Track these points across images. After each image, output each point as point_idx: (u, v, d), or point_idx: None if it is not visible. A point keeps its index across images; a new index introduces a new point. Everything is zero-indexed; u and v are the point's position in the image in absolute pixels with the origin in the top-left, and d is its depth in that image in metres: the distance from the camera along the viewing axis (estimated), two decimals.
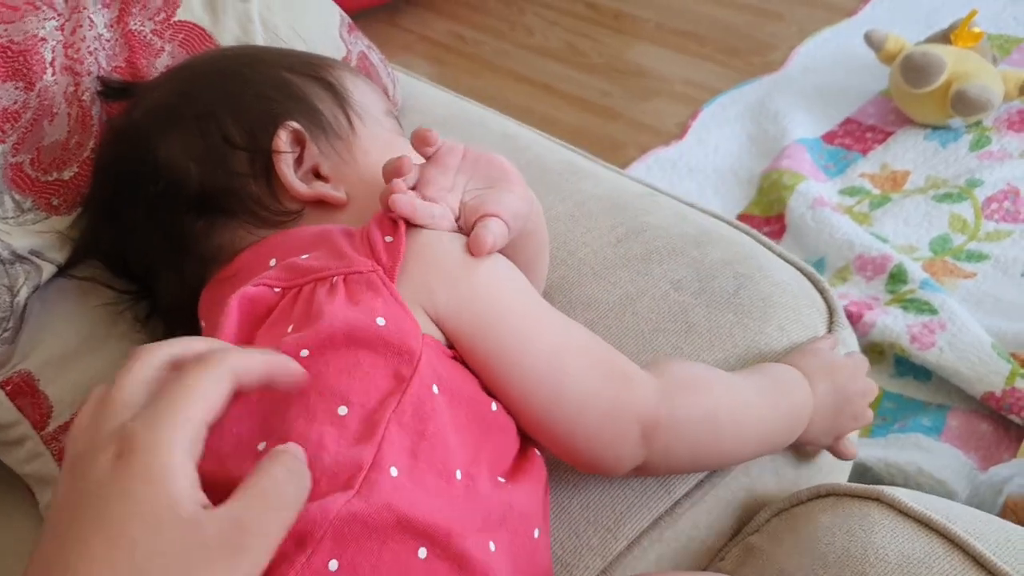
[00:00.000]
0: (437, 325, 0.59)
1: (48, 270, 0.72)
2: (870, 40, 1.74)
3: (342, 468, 0.51)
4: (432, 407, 0.55)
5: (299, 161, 0.68)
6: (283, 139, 0.67)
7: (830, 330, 0.76)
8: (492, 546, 0.54)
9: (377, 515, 0.50)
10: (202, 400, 0.43)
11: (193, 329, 0.71)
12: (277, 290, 0.60)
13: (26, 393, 0.72)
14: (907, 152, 1.67)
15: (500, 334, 0.59)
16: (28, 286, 0.71)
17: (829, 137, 1.75)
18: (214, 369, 0.44)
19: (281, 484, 0.43)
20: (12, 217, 0.72)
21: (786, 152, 1.69)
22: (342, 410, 0.53)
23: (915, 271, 1.40)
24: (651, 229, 0.80)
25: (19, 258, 0.71)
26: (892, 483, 1.13)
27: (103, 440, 0.42)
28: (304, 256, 0.61)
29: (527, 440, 0.62)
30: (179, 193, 0.68)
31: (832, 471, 0.77)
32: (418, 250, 0.60)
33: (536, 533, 0.59)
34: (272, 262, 0.62)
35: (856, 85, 1.84)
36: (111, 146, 0.74)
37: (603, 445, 0.60)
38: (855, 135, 1.74)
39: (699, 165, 1.75)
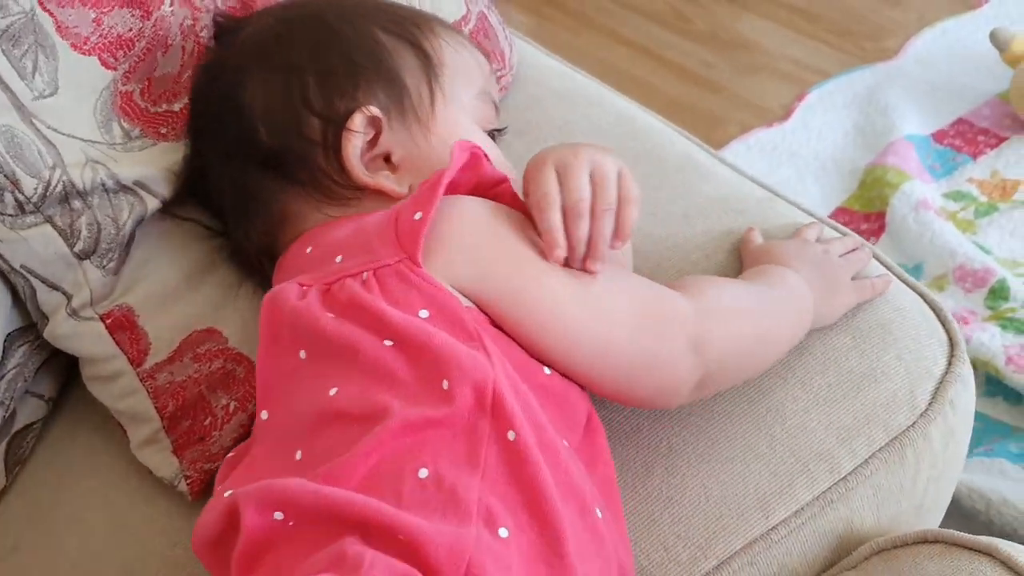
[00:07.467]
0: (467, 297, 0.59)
1: (152, 204, 0.71)
2: (995, 38, 1.65)
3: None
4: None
5: (372, 142, 0.66)
6: (358, 122, 0.65)
7: (950, 364, 0.72)
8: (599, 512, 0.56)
9: None
10: None
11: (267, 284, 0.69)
12: (306, 288, 0.60)
13: (126, 328, 0.71)
14: (1020, 161, 1.59)
15: (527, 297, 0.59)
16: (133, 218, 0.70)
17: (939, 136, 1.67)
18: None
19: None
20: (120, 143, 0.71)
21: (893, 148, 1.61)
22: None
23: (1018, 289, 1.34)
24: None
25: (123, 188, 0.70)
26: (972, 508, 1.09)
27: None
28: (339, 258, 0.60)
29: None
30: (251, 143, 0.67)
31: (933, 508, 0.74)
32: (439, 223, 0.58)
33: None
34: (338, 259, 0.61)
35: (972, 84, 1.74)
36: (200, 76, 0.73)
37: (658, 370, 0.61)
38: (966, 136, 1.66)
39: (800, 151, 1.68)
